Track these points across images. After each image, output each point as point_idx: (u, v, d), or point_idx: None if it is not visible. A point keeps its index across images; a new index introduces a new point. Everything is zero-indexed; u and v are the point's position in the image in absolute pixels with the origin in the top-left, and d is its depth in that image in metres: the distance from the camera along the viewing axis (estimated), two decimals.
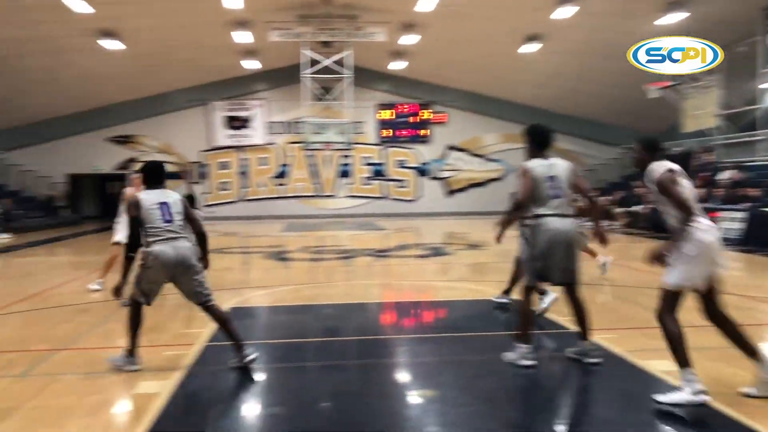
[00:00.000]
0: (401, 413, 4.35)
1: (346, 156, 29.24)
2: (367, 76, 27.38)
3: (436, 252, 14.85)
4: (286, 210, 28.75)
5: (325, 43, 23.30)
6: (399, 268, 12.43)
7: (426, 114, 29.84)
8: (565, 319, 6.22)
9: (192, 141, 28.64)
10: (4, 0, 17.57)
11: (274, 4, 20.87)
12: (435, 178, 30.34)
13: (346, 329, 7.12)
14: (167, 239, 5.09)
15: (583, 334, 5.28)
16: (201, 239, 5.40)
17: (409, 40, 23.44)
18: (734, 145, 21.32)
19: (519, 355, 5.17)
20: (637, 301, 8.08)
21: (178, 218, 5.20)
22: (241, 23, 21.32)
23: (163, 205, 5.18)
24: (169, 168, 27.29)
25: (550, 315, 6.89)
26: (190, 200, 6.31)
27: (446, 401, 4.51)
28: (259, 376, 5.15)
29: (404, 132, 29.88)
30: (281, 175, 29.44)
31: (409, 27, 22.29)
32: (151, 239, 5.09)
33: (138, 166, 25.82)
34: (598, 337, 5.58)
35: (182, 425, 4.13)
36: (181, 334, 6.64)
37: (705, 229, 4.25)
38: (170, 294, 6.05)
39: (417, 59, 25.90)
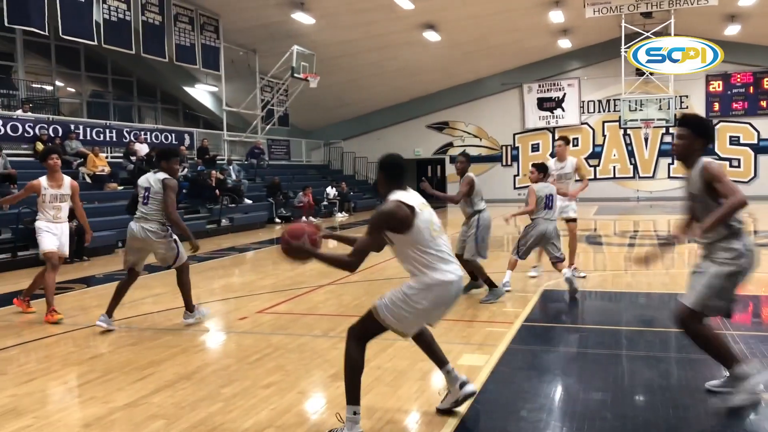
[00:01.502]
0: (732, 415, 3.86)
1: (667, 134, 27.03)
2: None
3: None
4: (600, 192, 27.63)
5: (646, 14, 21.72)
6: None
7: (766, 83, 26.09)
8: None
9: (505, 124, 29.15)
10: (341, 6, 19.83)
11: None
12: None
13: (664, 320, 6.60)
14: None
15: None
16: None
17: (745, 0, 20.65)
18: None
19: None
20: None
21: None
22: (556, 2, 20.98)
23: None
24: (480, 152, 28.49)
25: None
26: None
27: None
28: (575, 360, 5.05)
29: (739, 105, 26.53)
30: (595, 155, 28.40)
31: None
32: None
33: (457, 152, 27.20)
34: None
35: (502, 398, 4.25)
36: (500, 312, 6.83)
37: None
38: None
39: (754, 21, 22.70)
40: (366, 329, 3.65)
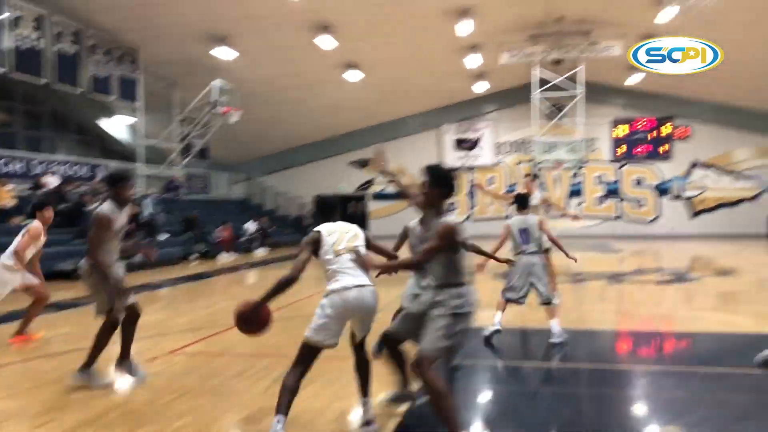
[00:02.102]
0: None
1: (576, 175, 28.32)
2: (600, 92, 26.33)
3: (679, 277, 13.70)
4: None
5: (556, 61, 22.89)
6: (637, 293, 11.69)
7: (666, 129, 27.85)
8: None
9: (424, 163, 29.63)
10: (264, 43, 19.92)
11: (504, 27, 21.05)
12: (677, 198, 28.10)
13: (578, 356, 6.86)
14: None
15: None
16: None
17: None
18: None
19: None
20: None
21: None
22: (473, 47, 21.80)
23: None
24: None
25: None
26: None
27: None
28: (486, 398, 5.16)
29: (641, 149, 28.16)
30: (509, 195, 29.35)
31: (647, 37, 21.03)
32: None
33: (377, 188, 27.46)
34: None
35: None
36: None
37: None
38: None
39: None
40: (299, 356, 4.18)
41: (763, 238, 25.42)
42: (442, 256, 4.04)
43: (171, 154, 23.62)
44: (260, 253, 21.87)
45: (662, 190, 28.25)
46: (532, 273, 7.13)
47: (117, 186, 5.58)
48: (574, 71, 23.02)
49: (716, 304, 10.43)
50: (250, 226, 22.99)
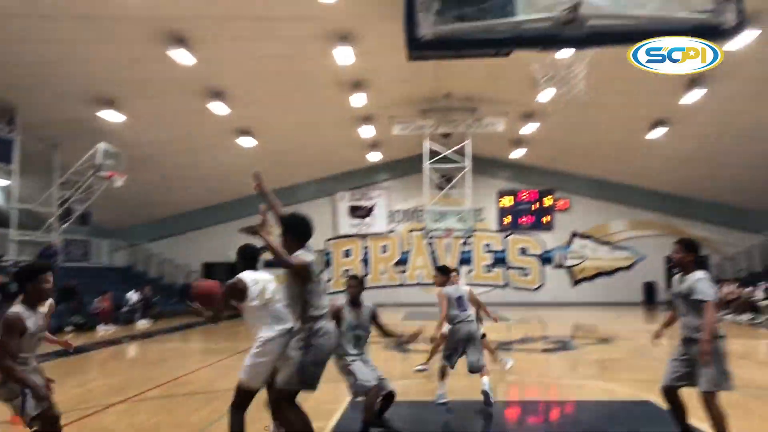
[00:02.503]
0: None
1: (466, 243, 29.16)
2: (487, 164, 27.60)
3: (563, 345, 14.18)
4: (407, 297, 28.80)
5: (445, 135, 23.85)
6: (523, 363, 11.94)
7: (547, 201, 29.40)
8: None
9: (318, 230, 29.54)
10: (153, 107, 19.50)
11: (396, 100, 21.77)
12: (559, 267, 29.46)
13: (467, 428, 6.84)
14: None
15: None
16: None
17: (529, 128, 23.53)
18: None
19: None
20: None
21: None
22: (366, 118, 22.34)
23: None
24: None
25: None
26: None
27: None
28: None
29: (526, 219, 29.50)
30: (402, 262, 29.74)
31: (528, 116, 22.41)
32: None
33: None
34: None
35: None
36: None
37: None
38: None
39: (537, 146, 25.83)
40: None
41: (638, 305, 26.97)
42: (297, 292, 4.43)
43: (49, 219, 22.26)
44: (143, 324, 20.75)
45: (545, 259, 29.55)
46: (471, 340, 7.32)
47: (31, 281, 4.69)
48: (462, 144, 24.02)
49: (597, 372, 10.82)
50: (132, 296, 21.82)
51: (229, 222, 29.55)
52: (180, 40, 15.59)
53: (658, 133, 21.99)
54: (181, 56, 15.95)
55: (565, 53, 14.65)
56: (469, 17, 3.96)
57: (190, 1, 14.52)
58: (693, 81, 17.98)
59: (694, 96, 18.62)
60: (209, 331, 19.05)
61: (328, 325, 4.41)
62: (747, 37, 14.39)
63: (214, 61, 16.98)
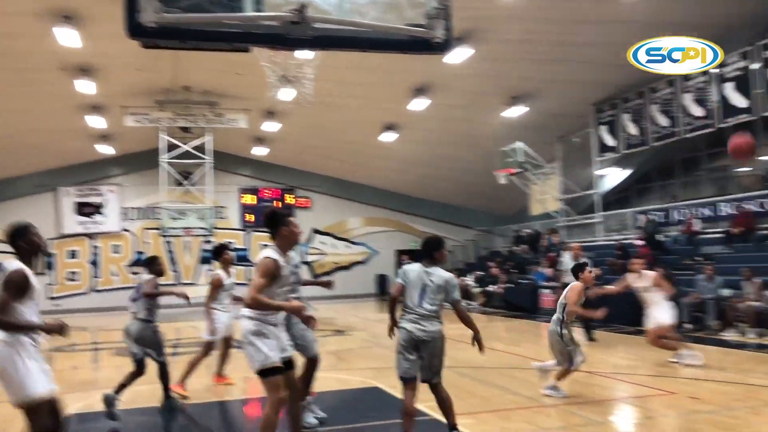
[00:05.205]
0: None
1: (207, 242, 28.43)
2: (229, 161, 27.19)
3: None
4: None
5: (185, 129, 22.96)
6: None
7: (289, 199, 29.89)
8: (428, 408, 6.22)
9: (39, 228, 26.62)
10: None
11: (129, 90, 20.45)
12: (303, 263, 30.11)
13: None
14: None
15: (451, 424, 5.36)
16: None
17: (270, 127, 23.69)
18: (575, 226, 23.10)
19: None
20: (495, 382, 8.28)
21: None
22: (95, 108, 20.62)
23: None
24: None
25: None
26: None
27: None
28: None
29: None
30: (137, 263, 27.98)
31: (270, 114, 22.56)
32: None
33: None
34: (459, 424, 5.62)
35: None
36: None
37: None
38: None
39: (279, 145, 26.15)
40: None
41: (372, 297, 28.71)
42: None
43: None
44: None
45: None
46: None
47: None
48: (201, 140, 23.35)
49: (333, 363, 11.25)
50: None
51: None
52: None
53: (390, 137, 23.62)
54: None
55: (299, 54, 14.94)
56: (197, 8, 3.84)
57: None
58: (419, 90, 19.65)
59: (420, 104, 20.32)
60: None
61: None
62: (463, 54, 16.13)
63: None
